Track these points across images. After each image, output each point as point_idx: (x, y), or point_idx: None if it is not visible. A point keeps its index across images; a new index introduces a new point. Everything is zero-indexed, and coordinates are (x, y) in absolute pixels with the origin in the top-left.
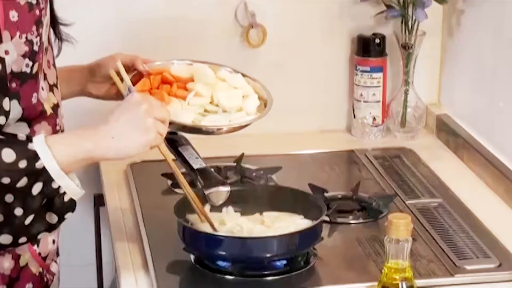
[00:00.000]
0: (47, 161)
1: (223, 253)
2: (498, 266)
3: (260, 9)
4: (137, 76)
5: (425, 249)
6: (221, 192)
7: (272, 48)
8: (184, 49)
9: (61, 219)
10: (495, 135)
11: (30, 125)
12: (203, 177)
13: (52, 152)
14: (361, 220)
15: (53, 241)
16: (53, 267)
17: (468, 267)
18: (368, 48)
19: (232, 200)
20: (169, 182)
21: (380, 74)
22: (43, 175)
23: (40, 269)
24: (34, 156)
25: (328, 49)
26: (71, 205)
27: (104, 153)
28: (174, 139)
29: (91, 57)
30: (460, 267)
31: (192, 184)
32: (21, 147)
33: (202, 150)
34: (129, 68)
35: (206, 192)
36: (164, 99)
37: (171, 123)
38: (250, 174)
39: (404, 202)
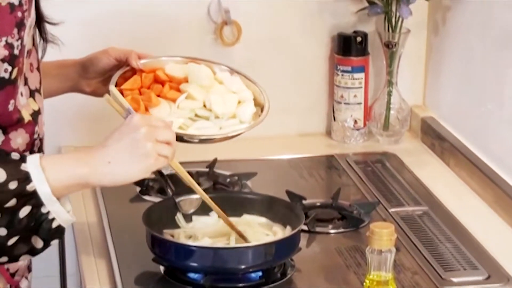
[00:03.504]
0: (39, 184)
1: (195, 264)
2: (487, 279)
3: (235, 5)
4: (130, 72)
5: (410, 260)
6: (193, 199)
7: (247, 47)
8: (154, 47)
9: (46, 244)
10: (483, 139)
11: (5, 132)
12: (174, 184)
13: (45, 175)
14: (341, 230)
15: None
16: (23, 284)
17: (455, 280)
18: (349, 46)
19: (204, 208)
20: (138, 188)
21: (361, 75)
22: (33, 198)
23: (8, 286)
24: (25, 178)
25: (306, 47)
26: (59, 231)
27: (100, 179)
28: None
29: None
30: (446, 279)
31: (162, 191)
32: (13, 167)
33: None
34: (123, 63)
35: (177, 199)
36: (152, 101)
37: None
38: (223, 180)
39: (387, 210)
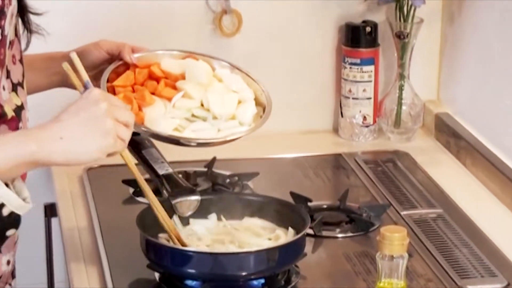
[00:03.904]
0: None
1: (193, 270)
2: (506, 286)
3: None
4: (123, 67)
5: (423, 267)
6: (190, 201)
7: (248, 37)
8: (148, 38)
9: (1, 236)
10: (502, 137)
11: None
12: (170, 185)
13: None
14: (349, 234)
15: (8, 262)
16: None
17: (472, 287)
18: (357, 37)
19: (203, 210)
20: (131, 190)
21: (371, 67)
22: None
23: None
24: None
25: (312, 38)
26: (14, 221)
27: (49, 157)
28: (137, 141)
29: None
30: (463, 287)
31: (158, 192)
32: None
33: (169, 154)
34: (115, 57)
35: (173, 201)
36: (146, 99)
37: (143, 129)
38: (223, 180)
39: (398, 213)
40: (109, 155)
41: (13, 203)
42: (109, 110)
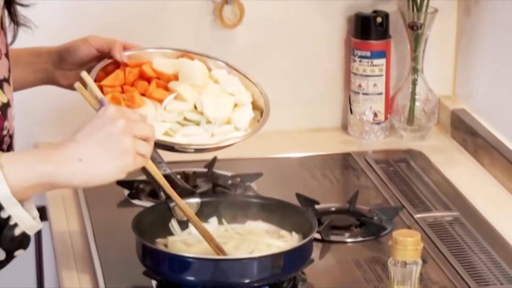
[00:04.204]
0: None
1: (192, 278)
2: None
3: None
4: (113, 65)
5: (438, 274)
6: (189, 204)
7: (251, 29)
8: (143, 31)
9: (9, 256)
10: None
11: None
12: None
13: (3, 173)
14: (359, 238)
15: None
16: None
17: None
18: (368, 28)
19: (203, 213)
20: (126, 192)
21: (382, 61)
22: None
23: None
24: None
25: (318, 30)
26: (23, 240)
27: (69, 179)
28: None
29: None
30: None
31: (154, 194)
32: None
33: (166, 153)
34: (105, 54)
35: (171, 204)
36: (135, 101)
37: None
38: (224, 182)
39: (412, 216)
40: (129, 173)
41: (26, 224)
42: (126, 128)
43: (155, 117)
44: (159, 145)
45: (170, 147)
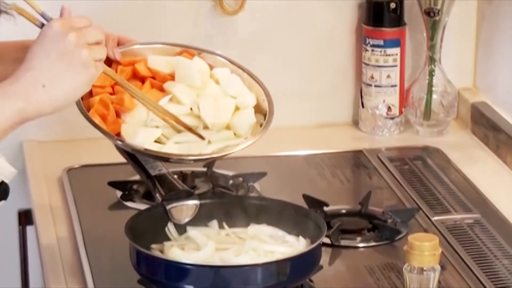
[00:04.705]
0: None
1: (191, 286)
2: None
3: None
4: (106, 62)
5: (458, 281)
6: (187, 206)
7: (253, 16)
8: (137, 18)
9: None
10: None
11: None
12: (164, 187)
13: None
14: (372, 243)
15: None
16: None
17: None
18: (381, 15)
19: (202, 217)
20: (119, 193)
21: (396, 50)
22: None
23: None
24: None
25: (327, 17)
26: (3, 191)
27: (39, 109)
28: None
29: (34, 35)
30: None
31: (149, 196)
32: None
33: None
34: None
35: (168, 206)
36: (124, 103)
37: (118, 143)
38: (225, 182)
39: (429, 218)
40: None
41: (2, 169)
42: (78, 40)
43: (147, 122)
44: (145, 154)
45: (163, 158)
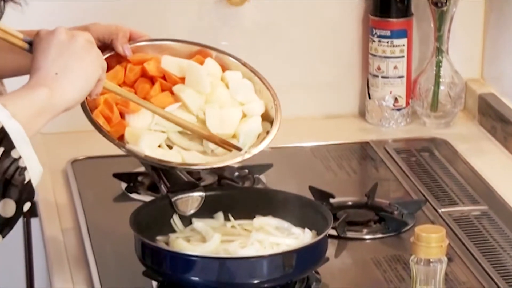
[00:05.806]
0: (6, 119)
1: (196, 278)
2: None
3: None
4: (115, 59)
5: (465, 273)
6: (193, 198)
7: (259, 7)
8: (146, 9)
9: (19, 210)
10: None
11: None
12: (169, 179)
13: (9, 111)
14: (378, 235)
15: None
16: None
17: None
18: (387, 6)
19: (207, 208)
20: (124, 185)
21: (403, 41)
22: (2, 139)
23: None
24: None
25: (334, 7)
26: (31, 191)
27: (64, 96)
28: None
29: (42, 25)
30: None
31: (154, 188)
32: None
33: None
34: (107, 45)
35: (173, 198)
36: (129, 106)
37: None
38: (230, 174)
39: (436, 210)
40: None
41: (32, 166)
42: (69, 33)
43: (151, 125)
44: (149, 161)
45: (164, 166)
